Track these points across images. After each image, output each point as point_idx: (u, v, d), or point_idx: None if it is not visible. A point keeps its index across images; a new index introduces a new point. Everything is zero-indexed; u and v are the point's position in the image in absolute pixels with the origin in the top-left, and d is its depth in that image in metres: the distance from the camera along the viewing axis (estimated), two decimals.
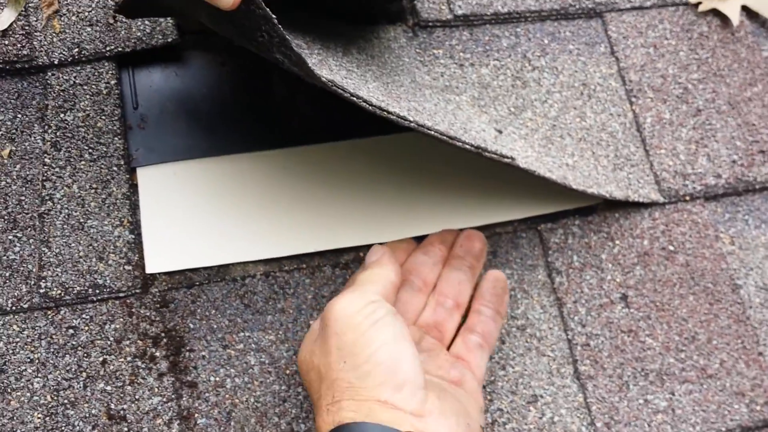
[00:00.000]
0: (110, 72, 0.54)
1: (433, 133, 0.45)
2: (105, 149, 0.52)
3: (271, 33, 0.39)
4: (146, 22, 0.55)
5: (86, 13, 0.55)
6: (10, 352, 0.48)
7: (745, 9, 0.67)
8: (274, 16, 0.37)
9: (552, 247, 0.57)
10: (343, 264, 0.54)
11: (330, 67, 0.46)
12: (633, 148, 0.60)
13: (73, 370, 0.48)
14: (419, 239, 0.55)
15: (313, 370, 0.43)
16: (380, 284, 0.46)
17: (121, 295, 0.50)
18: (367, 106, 0.42)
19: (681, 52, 0.64)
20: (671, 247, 0.58)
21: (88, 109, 0.53)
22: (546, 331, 0.54)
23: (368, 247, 0.54)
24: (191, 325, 0.50)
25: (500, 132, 0.56)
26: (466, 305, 0.52)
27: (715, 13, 0.66)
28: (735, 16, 0.66)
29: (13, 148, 0.52)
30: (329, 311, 0.43)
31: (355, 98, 0.42)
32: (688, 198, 0.60)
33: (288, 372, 0.50)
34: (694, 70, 0.64)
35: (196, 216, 0.53)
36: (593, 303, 0.56)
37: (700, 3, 0.66)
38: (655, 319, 0.56)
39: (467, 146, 0.47)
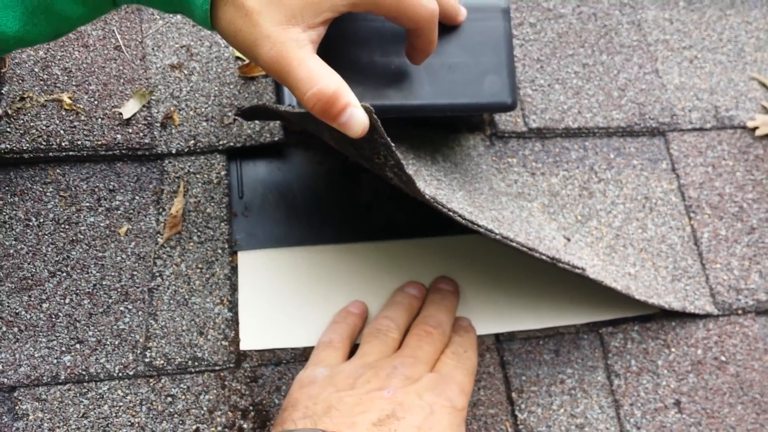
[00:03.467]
0: (221, 163, 0.60)
1: (515, 244, 0.50)
2: (212, 233, 0.58)
3: (387, 157, 0.45)
4: (257, 123, 0.61)
5: (203, 110, 0.61)
6: (113, 415, 0.52)
7: None
8: (393, 144, 0.43)
9: (612, 350, 0.61)
10: None
11: (424, 178, 0.52)
12: (690, 261, 0.65)
13: None
14: (482, 337, 0.59)
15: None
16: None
17: (217, 368, 0.55)
18: (461, 219, 0.47)
19: (738, 172, 0.69)
20: (723, 358, 0.62)
21: (199, 195, 0.59)
22: (603, 431, 0.58)
23: None
24: (276, 401, 0.55)
25: (568, 239, 0.61)
26: None
27: None
28: None
29: (130, 227, 0.58)
30: None
31: (451, 213, 0.47)
32: (740, 312, 0.64)
33: None
34: (749, 190, 0.68)
35: (287, 300, 0.58)
36: (648, 407, 0.59)
37: (756, 128, 0.71)
38: (705, 426, 0.59)
39: (544, 257, 0.52)
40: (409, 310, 0.57)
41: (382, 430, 0.46)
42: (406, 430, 0.46)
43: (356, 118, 0.43)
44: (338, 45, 0.51)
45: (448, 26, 0.54)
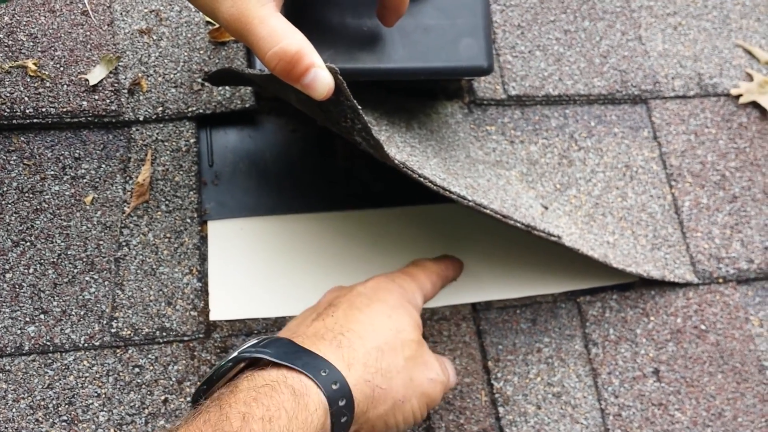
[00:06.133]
0: (190, 131, 0.59)
1: (488, 211, 0.49)
2: (180, 202, 0.57)
3: (354, 120, 0.43)
4: (227, 88, 0.59)
5: (172, 75, 0.60)
6: (79, 386, 0.51)
7: None
8: (360, 107, 0.42)
9: (590, 319, 0.60)
10: None
11: (397, 144, 0.50)
12: (671, 230, 0.64)
13: (136, 406, 0.51)
14: (458, 307, 0.58)
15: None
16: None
17: (186, 338, 0.54)
18: (432, 185, 0.46)
19: (720, 140, 0.68)
20: (703, 327, 0.61)
21: (167, 164, 0.58)
22: (580, 400, 0.57)
23: None
24: None
25: (546, 208, 0.60)
26: None
27: (755, 105, 0.70)
28: None
29: (96, 196, 0.56)
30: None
31: (422, 179, 0.46)
32: (721, 280, 0.63)
33: None
34: (732, 159, 0.67)
35: (258, 269, 0.57)
36: (626, 375, 0.58)
37: (740, 95, 0.70)
38: (685, 395, 0.59)
39: (518, 224, 0.50)
40: None
41: (321, 316, 0.47)
42: (342, 308, 0.47)
43: (320, 79, 0.41)
44: (307, 6, 0.50)
45: None
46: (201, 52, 0.62)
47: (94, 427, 0.50)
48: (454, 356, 0.57)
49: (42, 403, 0.50)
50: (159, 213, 0.56)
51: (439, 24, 0.53)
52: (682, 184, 0.66)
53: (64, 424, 0.50)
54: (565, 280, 0.60)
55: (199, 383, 0.52)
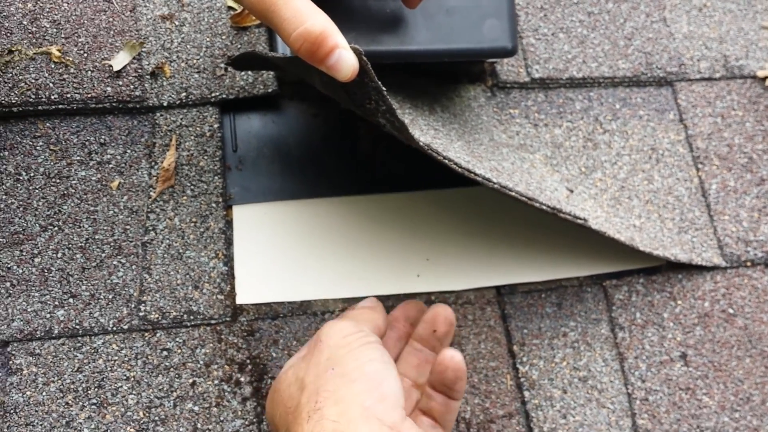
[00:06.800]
0: (214, 116, 0.59)
1: (513, 194, 0.48)
2: (205, 187, 0.57)
3: (379, 102, 0.43)
4: (249, 73, 0.59)
5: (195, 61, 0.60)
6: (109, 369, 0.52)
7: None
8: (384, 88, 0.41)
9: (616, 303, 0.59)
10: None
11: (420, 127, 0.50)
12: (698, 213, 0.63)
13: (165, 389, 0.52)
14: (482, 291, 0.58)
15: (295, 383, 0.44)
16: (371, 323, 0.48)
17: (213, 322, 0.54)
18: (456, 167, 0.46)
19: (747, 123, 0.67)
20: (731, 310, 0.60)
21: (192, 149, 0.58)
22: (607, 384, 0.57)
23: (438, 293, 0.57)
24: (274, 354, 0.54)
25: (571, 191, 0.59)
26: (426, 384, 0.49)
27: None
28: None
29: (122, 181, 0.57)
30: (326, 329, 0.45)
31: (447, 161, 0.45)
32: (749, 264, 0.62)
33: None
34: (759, 141, 0.66)
35: (284, 253, 0.57)
36: (653, 359, 0.58)
37: (767, 78, 0.69)
38: (713, 379, 0.58)
39: (544, 207, 0.50)
40: None
41: None
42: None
43: (345, 60, 0.41)
44: None
45: None
46: (223, 37, 0.61)
47: (123, 409, 0.51)
48: (479, 340, 0.57)
49: (72, 386, 0.51)
50: (184, 198, 0.57)
51: (462, 5, 0.53)
52: (708, 166, 0.65)
53: (93, 407, 0.50)
54: (590, 263, 0.60)
55: (226, 366, 0.52)
